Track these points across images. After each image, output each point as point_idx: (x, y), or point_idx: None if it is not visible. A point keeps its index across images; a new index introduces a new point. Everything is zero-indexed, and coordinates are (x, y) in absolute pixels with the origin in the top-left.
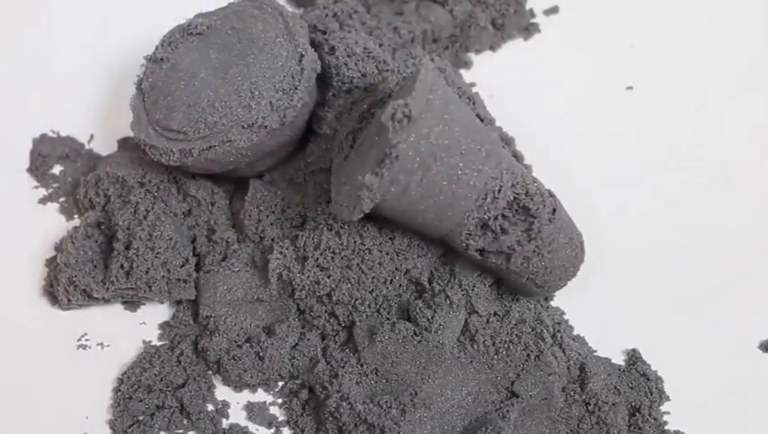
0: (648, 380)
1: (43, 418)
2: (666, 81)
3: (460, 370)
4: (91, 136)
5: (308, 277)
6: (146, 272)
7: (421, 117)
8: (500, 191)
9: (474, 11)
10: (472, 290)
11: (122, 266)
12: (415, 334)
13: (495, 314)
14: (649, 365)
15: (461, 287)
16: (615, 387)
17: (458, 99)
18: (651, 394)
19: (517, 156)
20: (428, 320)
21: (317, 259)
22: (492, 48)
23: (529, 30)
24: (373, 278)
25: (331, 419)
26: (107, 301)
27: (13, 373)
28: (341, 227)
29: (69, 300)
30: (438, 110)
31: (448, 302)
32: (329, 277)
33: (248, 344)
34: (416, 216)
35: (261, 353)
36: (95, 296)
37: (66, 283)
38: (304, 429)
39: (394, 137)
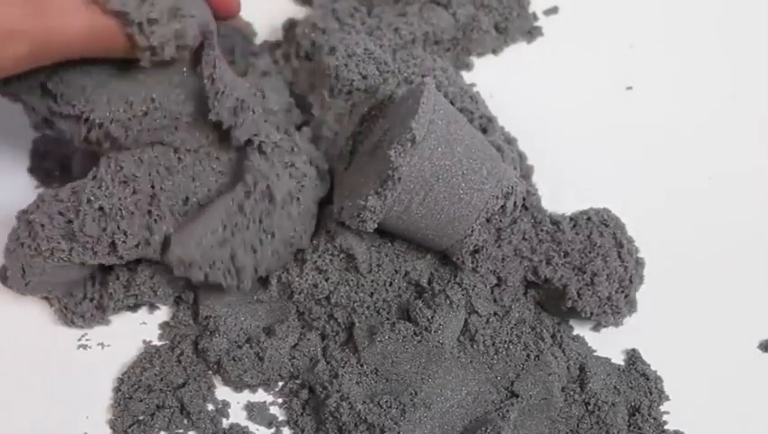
0: (648, 380)
1: (43, 418)
2: (666, 81)
3: (460, 370)
4: None
5: (306, 280)
6: (152, 277)
7: (424, 139)
8: (502, 209)
9: (478, 14)
10: (473, 290)
11: (118, 277)
12: (415, 334)
13: (495, 314)
14: (649, 365)
15: (461, 286)
16: (615, 387)
17: (460, 116)
18: (651, 394)
19: (521, 156)
20: (428, 320)
21: (315, 261)
22: (495, 51)
23: (532, 33)
24: (372, 280)
25: (331, 418)
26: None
27: (13, 373)
28: None
29: (66, 324)
30: (440, 131)
31: (448, 302)
32: (327, 280)
33: (247, 345)
34: (417, 233)
35: (261, 354)
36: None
37: (61, 310)
38: (304, 428)
39: (396, 160)
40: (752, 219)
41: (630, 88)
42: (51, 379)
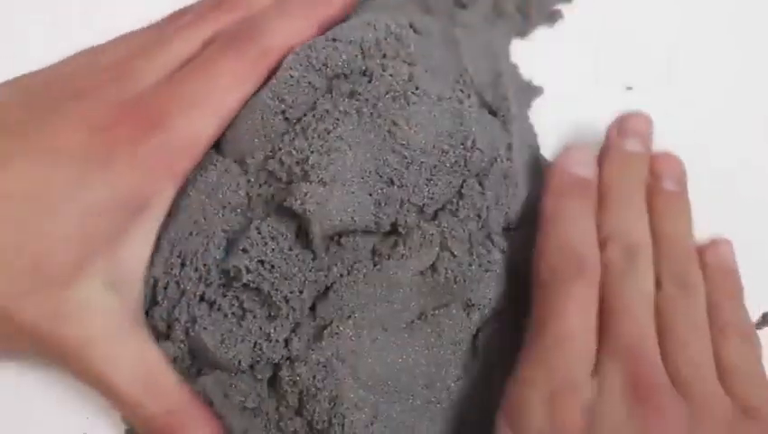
0: None
1: (43, 418)
2: (666, 81)
3: None
4: None
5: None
6: None
7: None
8: None
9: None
10: (449, 232)
11: None
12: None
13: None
14: None
15: (438, 227)
16: None
17: None
18: None
19: None
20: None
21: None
22: None
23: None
24: None
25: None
26: None
27: (13, 373)
28: None
29: None
30: None
31: (421, 234)
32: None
33: None
34: None
35: None
36: None
37: None
38: (267, 411)
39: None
40: (752, 219)
41: (630, 88)
42: (50, 379)
